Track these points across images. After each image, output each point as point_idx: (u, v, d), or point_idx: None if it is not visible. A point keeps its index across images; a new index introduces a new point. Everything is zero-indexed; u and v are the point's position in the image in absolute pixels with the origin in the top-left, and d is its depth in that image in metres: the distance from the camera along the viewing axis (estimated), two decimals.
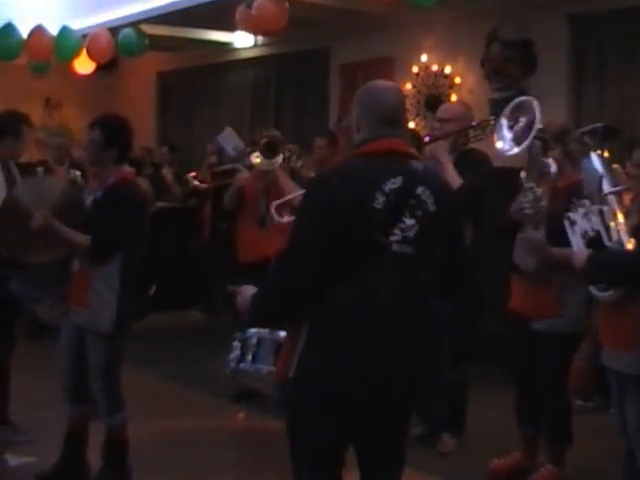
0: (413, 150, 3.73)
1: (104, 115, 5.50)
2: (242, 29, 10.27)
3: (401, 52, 10.68)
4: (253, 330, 6.68)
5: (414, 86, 10.57)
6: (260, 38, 12.52)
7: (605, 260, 4.33)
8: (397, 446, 3.65)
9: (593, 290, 4.42)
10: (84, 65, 12.24)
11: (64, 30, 11.66)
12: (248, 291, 3.64)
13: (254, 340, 6.70)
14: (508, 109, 5.40)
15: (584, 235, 4.50)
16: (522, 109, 5.33)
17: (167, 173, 11.57)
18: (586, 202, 4.54)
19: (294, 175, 7.59)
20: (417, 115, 10.50)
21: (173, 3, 10.61)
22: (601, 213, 4.39)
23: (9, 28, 11.76)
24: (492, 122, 6.05)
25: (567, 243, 4.75)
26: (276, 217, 7.02)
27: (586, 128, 4.58)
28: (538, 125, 5.15)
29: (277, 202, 7.05)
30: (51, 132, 10.17)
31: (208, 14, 10.63)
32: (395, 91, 3.66)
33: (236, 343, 6.81)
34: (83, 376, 5.27)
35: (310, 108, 12.10)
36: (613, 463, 5.27)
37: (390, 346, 3.40)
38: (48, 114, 15.10)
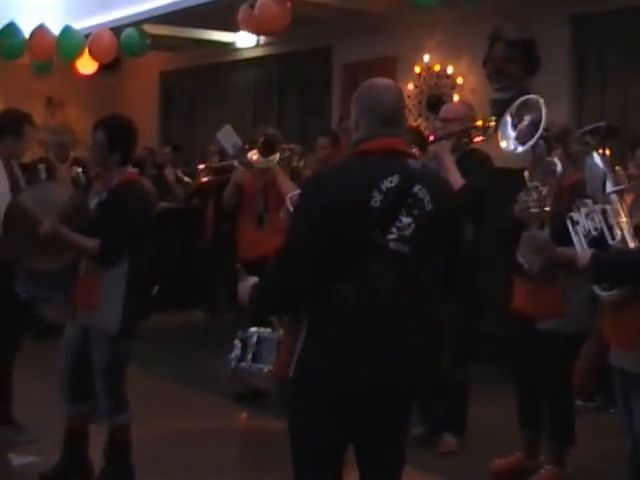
0: (411, 149, 3.73)
1: (109, 116, 5.47)
2: (244, 29, 10.27)
3: (403, 52, 10.68)
4: (253, 329, 6.70)
5: (416, 86, 10.59)
6: (262, 38, 12.54)
7: (609, 259, 4.33)
8: (397, 446, 3.65)
9: (597, 290, 4.42)
10: (86, 65, 12.25)
11: (66, 30, 11.67)
12: (250, 281, 3.65)
13: (254, 339, 6.72)
14: (514, 107, 5.39)
15: (587, 235, 4.50)
16: (527, 107, 5.32)
17: (169, 173, 11.56)
18: (588, 202, 4.54)
19: (295, 175, 7.59)
20: (419, 115, 10.50)
21: (175, 3, 10.62)
22: (604, 212, 4.39)
23: (11, 27, 11.77)
24: (493, 124, 6.04)
25: (571, 242, 4.75)
26: (281, 213, 7.01)
27: (588, 127, 4.57)
28: (544, 123, 5.15)
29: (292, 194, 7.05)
30: (53, 131, 10.20)
31: (210, 14, 10.63)
32: (394, 90, 3.65)
33: (237, 342, 6.83)
34: (84, 376, 5.27)
35: (312, 108, 12.11)
36: (614, 463, 5.28)
37: (389, 345, 3.41)
38: (50, 114, 15.11)
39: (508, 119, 5.30)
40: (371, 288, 3.38)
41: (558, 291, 5.36)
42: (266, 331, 6.58)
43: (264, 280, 3.57)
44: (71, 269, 5.31)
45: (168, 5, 10.74)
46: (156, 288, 10.00)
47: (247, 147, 7.77)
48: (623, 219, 4.27)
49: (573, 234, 4.57)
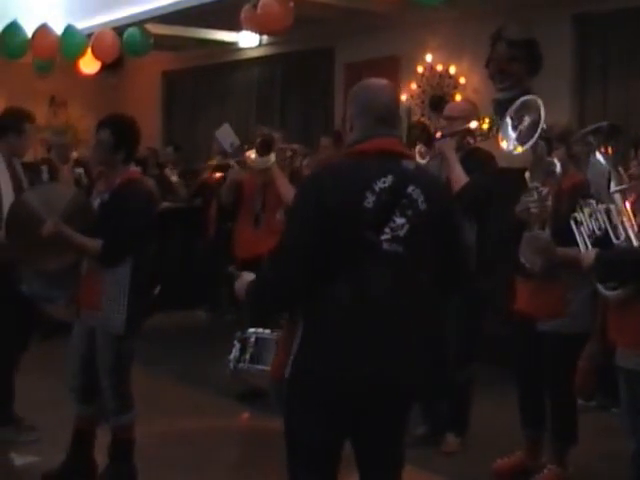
0: (406, 149, 3.72)
1: (113, 115, 5.47)
2: (247, 28, 10.27)
3: (406, 52, 10.68)
4: (252, 330, 6.71)
5: (419, 86, 10.59)
6: (265, 37, 12.54)
7: (613, 258, 4.34)
8: (394, 446, 3.64)
9: (602, 289, 4.42)
10: (89, 64, 12.25)
11: (69, 29, 11.67)
12: (247, 277, 3.66)
13: (253, 340, 6.74)
14: (513, 108, 5.40)
15: (591, 235, 4.50)
16: (527, 108, 5.33)
17: (171, 173, 11.57)
18: (592, 202, 4.54)
19: (295, 175, 7.59)
20: (422, 115, 10.50)
21: (178, 2, 10.62)
22: (608, 212, 4.39)
23: (14, 27, 11.77)
24: (494, 126, 6.04)
25: (572, 242, 4.75)
26: (278, 214, 7.03)
27: (590, 128, 4.57)
28: (543, 124, 5.15)
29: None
30: (55, 131, 10.20)
31: (213, 14, 10.63)
32: (389, 90, 3.64)
33: (236, 343, 6.84)
34: (92, 376, 5.27)
35: (315, 107, 12.11)
36: (615, 463, 5.28)
37: (383, 345, 3.41)
38: (53, 113, 15.11)
39: (508, 120, 5.31)
40: (365, 288, 3.38)
41: (559, 291, 5.36)
42: (265, 332, 6.58)
43: (259, 279, 3.58)
44: (74, 268, 5.31)
45: (171, 5, 10.74)
46: (158, 288, 10.00)
47: (246, 147, 7.78)
48: (627, 218, 4.26)
49: (577, 234, 4.58)
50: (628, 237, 4.25)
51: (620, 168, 4.37)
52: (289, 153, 7.66)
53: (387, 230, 3.40)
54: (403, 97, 10.66)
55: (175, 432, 6.61)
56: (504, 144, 5.32)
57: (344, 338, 3.39)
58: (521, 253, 5.36)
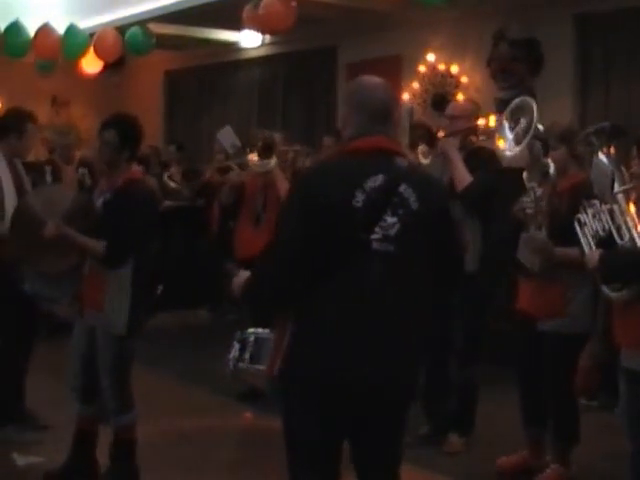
0: (399, 147, 3.70)
1: (117, 116, 5.45)
2: (249, 28, 10.27)
3: (408, 51, 10.68)
4: (251, 330, 6.73)
5: (421, 85, 10.58)
6: (267, 37, 12.53)
7: (618, 259, 4.33)
8: (389, 446, 3.62)
9: (606, 290, 4.41)
10: (91, 64, 12.25)
11: (71, 29, 11.67)
12: (244, 275, 3.66)
13: (252, 339, 6.76)
14: (507, 111, 5.43)
15: (595, 235, 4.50)
16: (522, 110, 5.35)
17: (174, 172, 11.56)
18: (596, 202, 4.53)
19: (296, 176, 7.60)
20: (424, 114, 10.49)
21: (180, 2, 10.62)
22: (611, 212, 4.39)
23: (16, 26, 11.77)
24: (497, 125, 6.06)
25: (571, 243, 4.75)
26: None
27: (592, 128, 4.57)
28: (535, 125, 5.18)
29: None
30: (58, 131, 10.20)
31: (215, 13, 10.62)
32: (384, 88, 3.60)
33: (235, 343, 6.86)
34: (93, 376, 5.27)
35: (317, 107, 12.10)
36: (617, 462, 5.27)
37: (372, 345, 3.39)
38: (55, 113, 15.11)
39: (505, 123, 5.34)
40: (354, 287, 3.38)
41: (559, 291, 5.37)
42: (264, 332, 6.60)
43: (252, 278, 3.57)
44: (77, 268, 5.31)
45: (173, 4, 10.74)
46: (160, 287, 10.01)
47: (248, 149, 7.80)
48: (631, 218, 4.26)
49: (581, 235, 4.57)
50: (632, 238, 4.24)
51: (623, 168, 4.36)
52: (291, 154, 7.68)
53: (377, 229, 3.38)
54: (405, 96, 10.66)
55: (176, 432, 6.61)
56: (501, 145, 5.35)
57: (332, 337, 3.38)
58: (519, 253, 5.38)
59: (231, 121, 10.62)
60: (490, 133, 6.20)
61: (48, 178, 7.90)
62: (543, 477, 5.52)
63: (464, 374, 6.13)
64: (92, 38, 11.60)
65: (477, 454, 6.11)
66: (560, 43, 9.01)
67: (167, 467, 5.81)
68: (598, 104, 8.88)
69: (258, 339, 6.75)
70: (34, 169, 6.86)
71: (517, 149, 5.34)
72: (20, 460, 5.88)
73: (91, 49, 11.66)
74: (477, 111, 6.35)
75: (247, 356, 6.81)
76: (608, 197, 4.42)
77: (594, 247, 4.50)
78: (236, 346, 6.90)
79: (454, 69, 10.23)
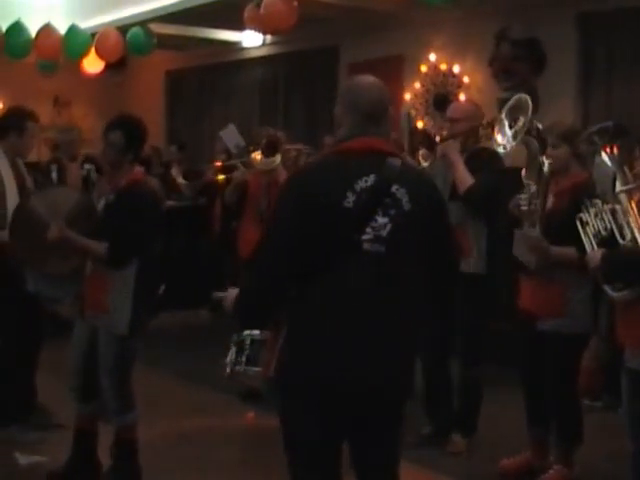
0: (393, 147, 3.68)
1: (122, 117, 5.44)
2: (251, 28, 10.26)
3: (410, 51, 10.68)
4: (247, 332, 6.74)
5: (423, 85, 10.58)
6: (269, 37, 12.53)
7: (620, 258, 4.33)
8: (386, 446, 3.60)
9: (608, 290, 4.41)
10: (93, 64, 12.25)
11: (73, 29, 11.67)
12: (233, 294, 3.61)
13: (248, 342, 6.78)
14: (505, 110, 5.45)
15: (597, 235, 4.50)
16: (520, 109, 5.36)
17: (176, 172, 11.56)
18: (598, 202, 4.53)
19: None
20: (426, 114, 10.49)
21: (181, 2, 10.61)
22: (613, 212, 4.38)
23: (18, 27, 11.76)
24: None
25: (568, 242, 4.75)
26: None
27: (595, 127, 4.56)
28: (528, 122, 5.19)
29: None
30: (61, 130, 10.20)
31: (216, 13, 10.62)
32: (378, 88, 3.56)
33: (232, 346, 6.89)
34: (93, 375, 5.27)
35: (319, 107, 12.09)
36: (620, 463, 5.26)
37: (363, 345, 3.37)
38: (57, 113, 15.11)
39: (505, 122, 5.35)
40: (345, 288, 3.36)
41: (558, 290, 5.35)
42: (260, 333, 6.61)
43: (242, 285, 3.54)
44: (79, 269, 5.31)
45: (174, 4, 10.73)
46: (163, 287, 9.99)
47: (251, 148, 7.80)
48: (633, 218, 4.26)
49: (582, 234, 4.58)
50: (634, 237, 4.24)
51: (626, 168, 4.36)
52: (294, 153, 7.68)
53: (368, 230, 3.36)
54: (407, 96, 10.67)
55: (178, 432, 6.61)
56: (499, 139, 5.37)
57: (323, 338, 3.37)
58: (514, 250, 5.38)
59: (232, 121, 10.61)
60: (489, 133, 6.20)
61: (54, 176, 7.90)
62: (546, 478, 5.51)
63: (466, 374, 6.13)
64: (93, 38, 11.60)
65: (480, 455, 6.10)
66: (562, 43, 9.01)
67: (169, 467, 5.81)
68: (600, 104, 8.87)
69: (254, 341, 6.80)
70: (39, 169, 6.86)
71: (509, 145, 5.35)
72: (23, 459, 5.88)
73: (92, 49, 11.66)
74: (477, 113, 6.34)
75: (244, 359, 6.85)
76: (610, 196, 4.41)
77: (596, 246, 4.50)
78: (233, 349, 6.95)
79: (456, 69, 10.23)
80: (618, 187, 4.33)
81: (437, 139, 6.17)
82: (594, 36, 8.97)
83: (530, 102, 5.31)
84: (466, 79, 10.13)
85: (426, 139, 6.26)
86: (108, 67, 12.63)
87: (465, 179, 5.92)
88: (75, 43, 11.67)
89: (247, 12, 9.48)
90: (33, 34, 11.80)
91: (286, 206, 3.42)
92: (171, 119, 15.25)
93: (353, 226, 3.36)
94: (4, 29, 11.74)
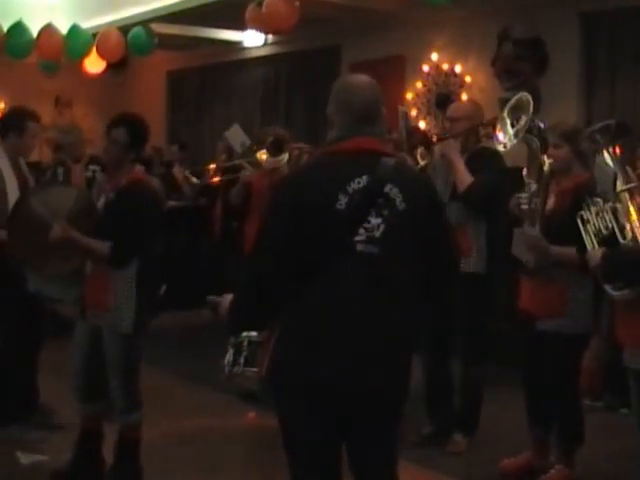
0: (387, 147, 3.65)
1: (126, 114, 5.45)
2: (252, 28, 10.25)
3: (412, 51, 10.67)
4: (244, 334, 6.74)
5: (424, 85, 10.57)
6: (270, 37, 12.52)
7: (620, 258, 4.32)
8: (385, 446, 3.58)
9: (609, 289, 4.40)
10: (94, 64, 12.25)
11: (74, 29, 11.66)
12: (228, 299, 3.61)
13: (245, 343, 6.79)
14: (507, 108, 5.44)
15: (597, 234, 4.49)
16: (521, 108, 5.36)
17: (177, 172, 11.56)
18: (599, 201, 4.53)
19: None
20: (428, 114, 10.49)
21: (183, 2, 10.60)
22: (614, 211, 4.37)
23: (19, 27, 11.75)
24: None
25: (568, 242, 4.74)
26: None
27: (598, 126, 4.55)
28: (529, 121, 5.19)
29: None
30: (63, 130, 10.18)
31: (218, 13, 10.61)
32: (370, 88, 3.53)
33: (230, 348, 6.89)
34: (96, 375, 5.27)
35: (321, 107, 12.03)
36: (623, 462, 5.26)
37: (356, 346, 3.36)
38: (58, 113, 15.12)
39: (507, 120, 5.35)
40: (338, 289, 3.35)
41: (557, 289, 5.34)
42: (257, 335, 6.62)
43: (237, 289, 3.53)
44: (80, 269, 5.31)
45: (175, 4, 10.72)
46: (164, 287, 9.99)
47: (255, 147, 7.79)
48: (634, 217, 4.25)
49: (583, 233, 4.57)
50: (635, 237, 4.23)
51: (628, 167, 4.35)
52: (296, 152, 7.68)
53: (361, 231, 3.34)
54: (409, 96, 10.66)
55: (180, 431, 6.60)
56: (501, 138, 5.37)
57: (316, 338, 3.36)
58: (513, 249, 5.38)
59: (234, 121, 10.61)
60: (490, 132, 6.20)
61: (60, 179, 7.90)
62: (547, 478, 5.50)
63: (466, 374, 6.12)
64: (95, 38, 11.59)
65: (480, 455, 6.09)
66: (565, 43, 8.99)
67: (170, 467, 5.81)
68: (603, 104, 8.86)
69: (252, 342, 6.80)
70: (44, 171, 6.85)
71: (509, 144, 5.35)
72: (24, 459, 5.88)
73: (94, 49, 11.65)
74: (478, 112, 6.33)
75: (242, 360, 6.86)
76: (611, 196, 4.41)
77: (596, 245, 4.49)
78: (230, 351, 6.96)
79: (458, 69, 10.21)
80: (619, 186, 4.33)
81: (434, 139, 6.16)
82: (597, 36, 8.95)
83: (531, 101, 5.31)
84: (468, 79, 10.12)
85: (424, 139, 6.25)
86: (109, 67, 12.63)
87: (465, 179, 5.91)
88: (76, 43, 11.66)
89: (248, 12, 9.47)
90: (34, 34, 11.79)
91: (278, 208, 3.42)
92: (172, 119, 15.24)
93: (345, 228, 3.34)
94: (5, 29, 11.73)
